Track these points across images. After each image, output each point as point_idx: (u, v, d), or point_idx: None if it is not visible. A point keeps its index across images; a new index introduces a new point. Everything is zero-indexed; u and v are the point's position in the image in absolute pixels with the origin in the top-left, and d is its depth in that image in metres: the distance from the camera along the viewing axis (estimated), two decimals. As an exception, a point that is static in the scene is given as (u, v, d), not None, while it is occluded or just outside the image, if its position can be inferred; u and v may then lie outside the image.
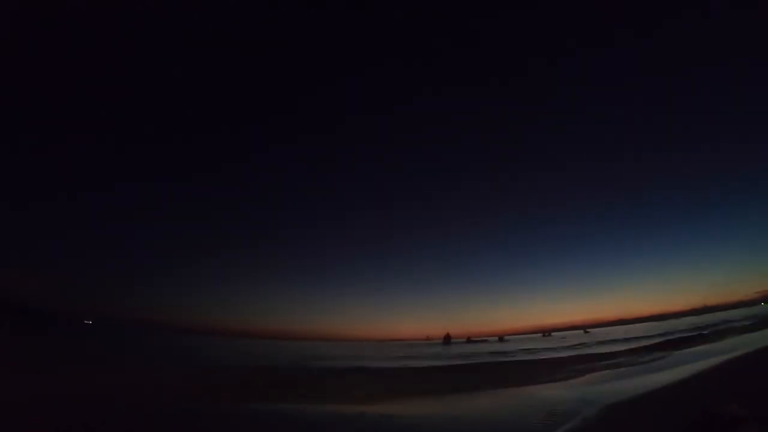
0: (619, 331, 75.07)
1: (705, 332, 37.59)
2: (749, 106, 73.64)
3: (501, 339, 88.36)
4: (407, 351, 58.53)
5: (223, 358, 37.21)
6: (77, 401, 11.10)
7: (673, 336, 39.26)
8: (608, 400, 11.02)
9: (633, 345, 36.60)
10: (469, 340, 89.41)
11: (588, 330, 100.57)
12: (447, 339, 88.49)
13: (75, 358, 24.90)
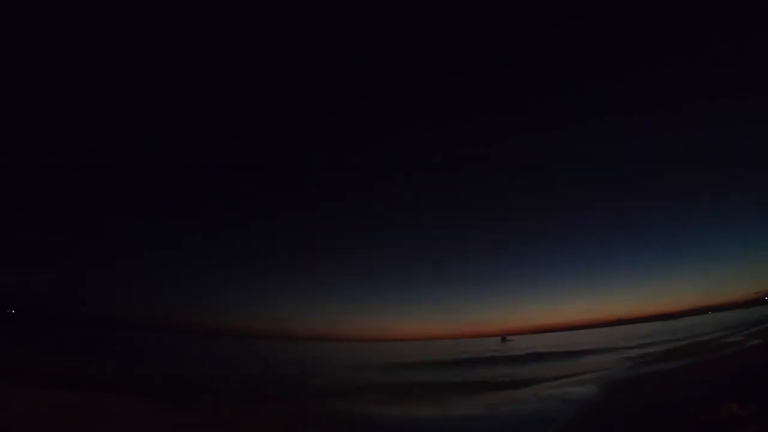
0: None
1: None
2: (748, 107, 73.35)
3: (504, 339, 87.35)
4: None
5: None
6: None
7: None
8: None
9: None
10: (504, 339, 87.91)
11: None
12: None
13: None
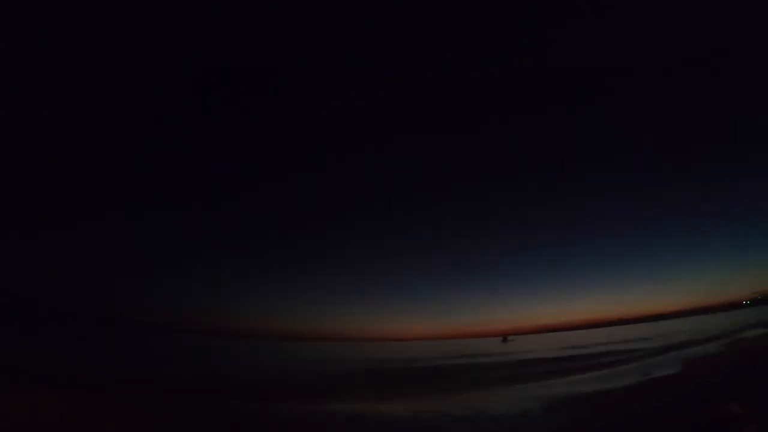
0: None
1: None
2: (748, 107, 72.88)
3: (505, 339, 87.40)
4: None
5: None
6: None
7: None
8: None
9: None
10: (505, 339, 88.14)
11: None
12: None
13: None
